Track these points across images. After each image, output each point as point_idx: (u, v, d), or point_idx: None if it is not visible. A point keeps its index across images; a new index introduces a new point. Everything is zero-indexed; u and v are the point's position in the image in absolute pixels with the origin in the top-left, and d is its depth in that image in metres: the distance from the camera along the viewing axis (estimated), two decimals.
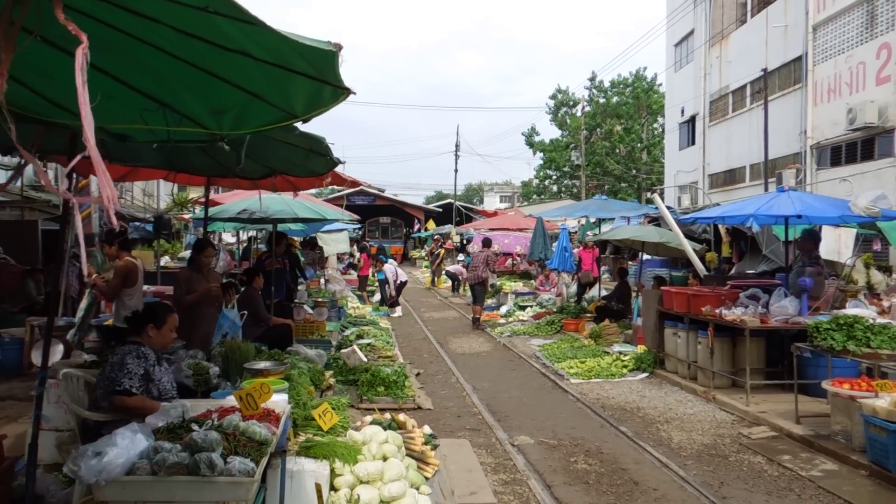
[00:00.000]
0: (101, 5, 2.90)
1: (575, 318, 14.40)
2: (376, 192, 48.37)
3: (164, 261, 16.22)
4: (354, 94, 3.36)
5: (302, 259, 16.96)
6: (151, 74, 3.71)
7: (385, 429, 5.50)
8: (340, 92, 3.37)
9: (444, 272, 26.07)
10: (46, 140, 4.60)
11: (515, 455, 6.46)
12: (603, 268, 18.75)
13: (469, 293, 23.10)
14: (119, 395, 4.10)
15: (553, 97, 51.55)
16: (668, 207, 15.19)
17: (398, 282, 19.20)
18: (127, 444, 3.04)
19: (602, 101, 49.31)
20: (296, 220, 12.33)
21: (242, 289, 8.86)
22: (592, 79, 50.00)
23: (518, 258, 23.83)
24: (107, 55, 3.53)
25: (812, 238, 9.35)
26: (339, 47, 2.87)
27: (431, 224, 42.78)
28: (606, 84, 49.92)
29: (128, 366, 4.21)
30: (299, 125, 4.27)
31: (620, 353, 10.92)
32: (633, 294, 13.87)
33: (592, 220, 18.98)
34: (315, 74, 3.18)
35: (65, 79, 3.74)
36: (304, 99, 3.57)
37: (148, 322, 4.50)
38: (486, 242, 16.56)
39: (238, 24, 2.79)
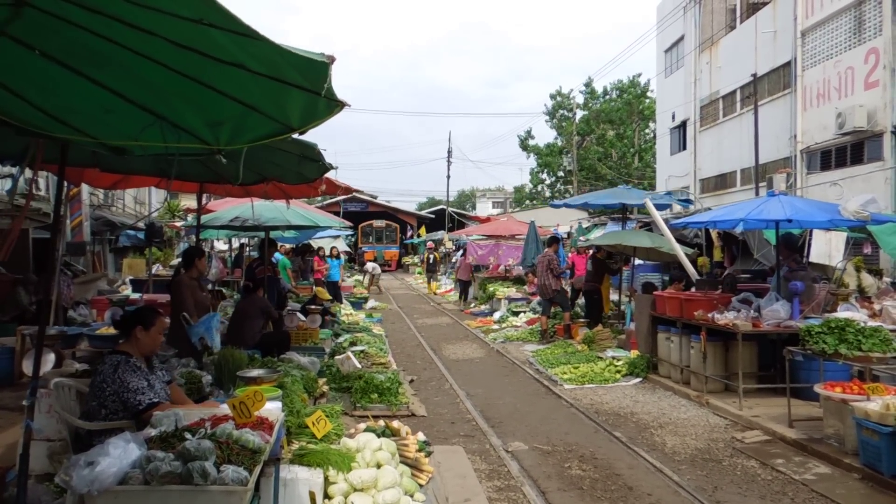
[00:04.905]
0: (97, 18, 2.91)
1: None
2: (369, 198, 48.47)
3: (156, 269, 16.17)
4: (349, 106, 3.38)
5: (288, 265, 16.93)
6: (148, 87, 3.72)
7: (379, 436, 5.49)
8: (335, 104, 3.39)
9: (456, 281, 25.25)
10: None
11: (509, 461, 6.45)
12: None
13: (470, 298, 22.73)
14: (146, 412, 4.02)
15: (553, 97, 51.78)
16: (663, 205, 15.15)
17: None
18: (119, 454, 3.02)
19: (597, 106, 49.55)
20: (288, 227, 12.31)
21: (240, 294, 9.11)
22: (588, 84, 50.25)
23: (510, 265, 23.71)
24: (104, 68, 3.54)
25: (788, 244, 9.43)
26: (332, 59, 2.88)
27: (423, 231, 42.85)
28: (599, 90, 50.19)
29: (132, 384, 4.16)
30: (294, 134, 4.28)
31: (614, 358, 10.92)
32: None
33: (585, 224, 19.00)
34: (309, 87, 3.20)
35: (63, 92, 3.76)
36: (299, 111, 3.59)
37: (136, 324, 4.46)
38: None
39: (232, 36, 2.80)
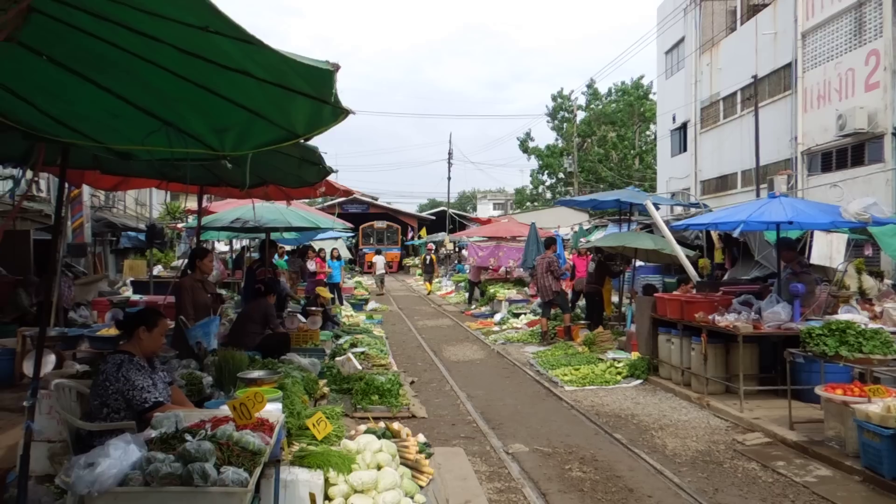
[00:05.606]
0: (104, 25, 2.92)
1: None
2: (369, 200, 48.46)
3: (157, 270, 16.19)
4: (354, 113, 3.39)
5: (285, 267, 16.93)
6: (155, 93, 3.73)
7: (379, 437, 5.48)
8: (340, 111, 3.39)
9: (465, 281, 25.09)
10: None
11: (510, 463, 6.45)
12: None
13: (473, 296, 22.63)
14: (150, 411, 4.02)
15: (554, 99, 51.83)
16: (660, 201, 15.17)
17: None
18: (119, 455, 3.02)
19: (600, 107, 49.61)
20: (289, 228, 12.32)
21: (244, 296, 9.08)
22: (590, 85, 50.28)
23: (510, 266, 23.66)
24: (111, 74, 3.55)
25: (788, 247, 9.41)
26: (337, 67, 2.89)
27: (424, 232, 42.82)
28: (603, 91, 50.29)
29: (137, 382, 4.16)
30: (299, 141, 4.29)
31: (614, 359, 10.91)
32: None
33: (586, 226, 19.00)
34: (314, 94, 3.20)
35: (70, 97, 3.77)
36: (304, 118, 3.60)
37: (140, 325, 4.46)
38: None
39: (238, 44, 2.81)
